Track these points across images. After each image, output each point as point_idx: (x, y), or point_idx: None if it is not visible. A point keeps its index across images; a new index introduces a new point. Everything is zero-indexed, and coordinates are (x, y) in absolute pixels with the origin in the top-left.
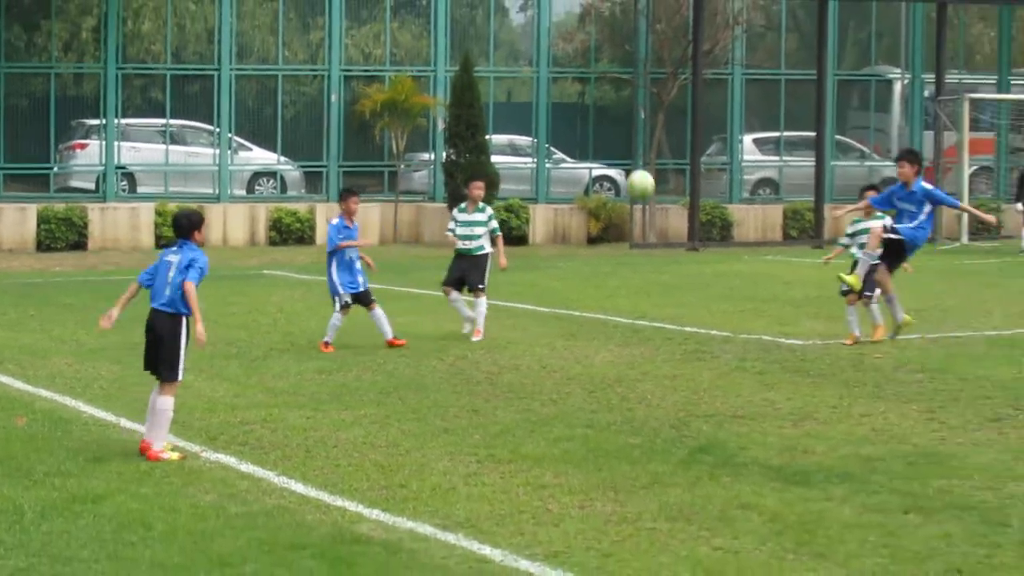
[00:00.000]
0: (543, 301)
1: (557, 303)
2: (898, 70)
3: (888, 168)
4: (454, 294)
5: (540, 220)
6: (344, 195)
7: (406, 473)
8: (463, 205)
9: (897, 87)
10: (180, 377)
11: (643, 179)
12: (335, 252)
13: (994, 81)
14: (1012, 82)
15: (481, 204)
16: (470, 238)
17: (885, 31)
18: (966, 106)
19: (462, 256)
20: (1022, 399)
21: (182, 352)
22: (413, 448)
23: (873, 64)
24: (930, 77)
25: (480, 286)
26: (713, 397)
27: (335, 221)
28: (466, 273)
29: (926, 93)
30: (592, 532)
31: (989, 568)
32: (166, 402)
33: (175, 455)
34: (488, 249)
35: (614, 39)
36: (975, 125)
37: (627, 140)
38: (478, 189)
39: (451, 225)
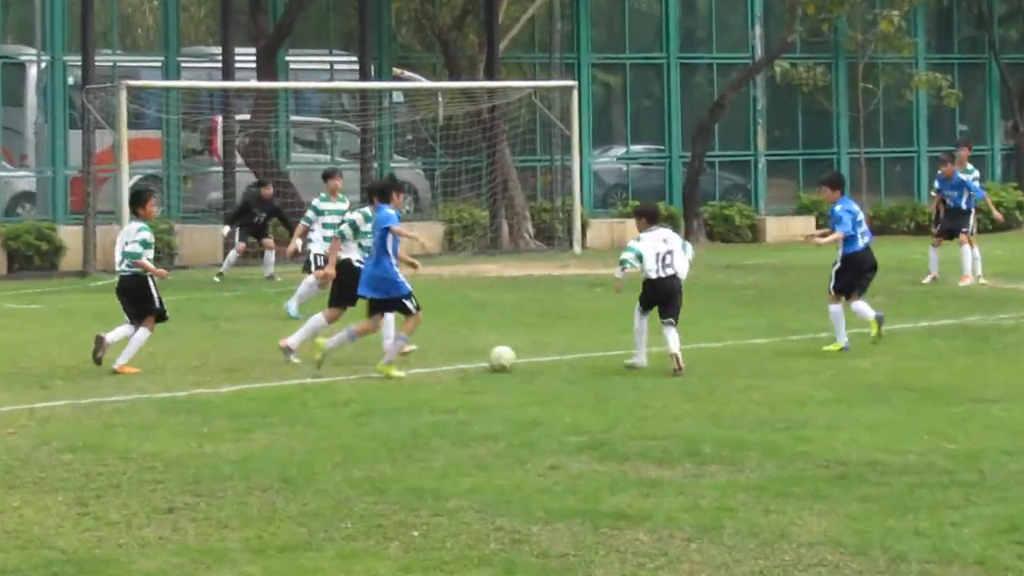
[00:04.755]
0: None
1: None
2: (33, 50)
3: (22, 178)
4: None
5: None
6: None
7: None
8: None
9: (32, 72)
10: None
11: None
12: None
13: (160, 63)
14: (183, 64)
15: None
16: None
17: (14, 1)
18: (123, 96)
19: None
20: (202, 482)
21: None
22: None
23: (1, 43)
24: (76, 59)
25: None
26: None
27: None
28: None
29: (71, 80)
30: None
31: None
32: None
33: None
34: None
35: None
36: (138, 121)
37: None
38: None
39: None
